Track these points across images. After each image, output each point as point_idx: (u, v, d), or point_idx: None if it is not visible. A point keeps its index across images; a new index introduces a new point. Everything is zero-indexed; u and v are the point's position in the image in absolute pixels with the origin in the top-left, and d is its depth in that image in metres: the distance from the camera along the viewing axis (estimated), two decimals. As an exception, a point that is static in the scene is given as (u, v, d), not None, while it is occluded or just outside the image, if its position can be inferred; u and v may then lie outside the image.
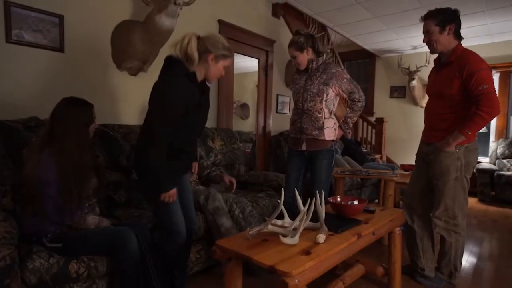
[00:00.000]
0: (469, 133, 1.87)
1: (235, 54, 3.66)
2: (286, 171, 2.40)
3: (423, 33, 2.01)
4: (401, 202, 3.66)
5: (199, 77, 1.64)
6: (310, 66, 2.21)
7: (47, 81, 2.20)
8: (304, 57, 2.18)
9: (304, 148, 2.24)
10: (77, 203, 1.50)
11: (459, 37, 1.97)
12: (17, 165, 1.70)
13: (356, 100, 2.22)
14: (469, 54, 1.90)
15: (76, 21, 2.31)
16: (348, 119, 2.30)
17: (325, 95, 2.16)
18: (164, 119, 1.52)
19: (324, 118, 2.19)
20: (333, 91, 2.19)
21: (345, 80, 2.18)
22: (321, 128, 2.18)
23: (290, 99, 4.48)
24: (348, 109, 2.31)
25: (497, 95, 1.85)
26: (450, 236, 2.02)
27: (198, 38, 1.59)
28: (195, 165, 2.09)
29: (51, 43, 2.18)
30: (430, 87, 2.13)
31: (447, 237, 2.02)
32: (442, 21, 1.91)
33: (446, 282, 2.09)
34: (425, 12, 2.01)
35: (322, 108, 2.18)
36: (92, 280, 1.50)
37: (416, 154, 2.23)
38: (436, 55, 2.09)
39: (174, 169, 1.66)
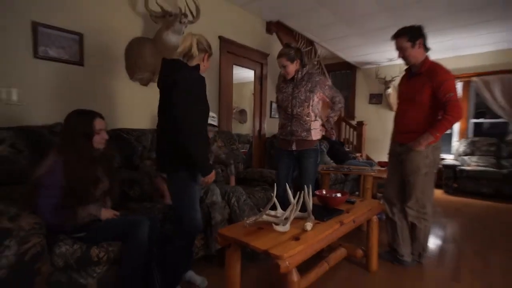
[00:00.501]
0: (438, 135, 1.90)
1: (234, 66, 3.68)
2: (277, 169, 2.39)
3: (397, 49, 2.01)
4: (378, 194, 3.70)
5: None
6: (296, 76, 2.23)
7: (69, 90, 2.19)
8: (293, 68, 2.19)
9: (294, 148, 2.25)
10: (79, 205, 1.44)
11: (426, 49, 2.00)
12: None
13: (337, 102, 2.26)
14: (437, 66, 1.94)
15: (94, 38, 2.31)
16: (330, 118, 2.32)
17: (311, 101, 2.19)
18: (197, 107, 1.56)
19: (311, 121, 2.22)
20: (317, 97, 2.22)
21: (327, 87, 2.22)
22: (309, 130, 2.21)
23: (281, 105, 4.50)
24: (329, 110, 2.34)
25: (460, 102, 1.89)
26: (420, 223, 2.05)
27: None
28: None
29: (72, 57, 2.18)
30: (403, 94, 2.14)
31: (417, 224, 2.06)
32: (413, 37, 1.93)
33: (416, 261, 2.12)
34: (394, 29, 2.01)
35: (309, 112, 2.20)
36: (111, 264, 1.50)
37: (388, 154, 2.23)
38: (406, 66, 2.11)
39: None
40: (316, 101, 2.23)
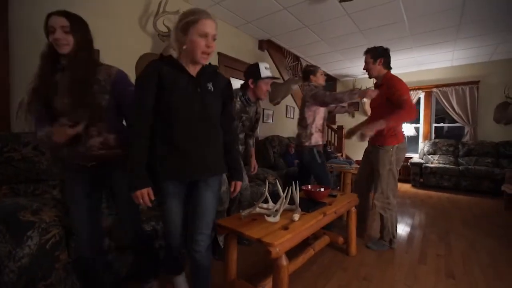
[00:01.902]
0: (390, 124, 1.89)
1: (231, 78, 3.65)
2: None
3: (364, 62, 2.12)
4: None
5: (184, 62, 1.14)
6: None
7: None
8: None
9: None
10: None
11: (388, 67, 2.06)
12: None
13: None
14: (394, 78, 2.02)
15: (109, 54, 2.27)
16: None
17: None
18: (135, 102, 1.10)
19: None
20: None
21: None
22: None
23: (273, 111, 4.49)
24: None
25: (413, 103, 1.92)
26: (386, 213, 2.09)
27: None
28: (253, 163, 1.54)
29: (89, 70, 2.14)
30: (372, 102, 2.23)
31: (383, 214, 2.09)
32: (375, 56, 2.03)
33: (388, 246, 2.13)
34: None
35: None
36: (120, 251, 1.48)
37: (364, 152, 2.31)
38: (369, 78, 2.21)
39: (163, 167, 1.10)
40: None
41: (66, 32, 1.11)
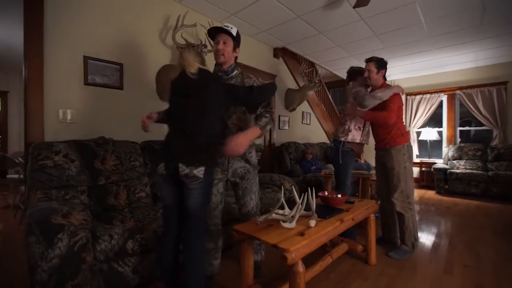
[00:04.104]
0: (368, 116, 2.07)
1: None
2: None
3: (366, 69, 2.17)
4: (375, 194, 3.58)
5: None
6: None
7: (111, 110, 2.28)
8: None
9: None
10: None
11: (384, 78, 2.19)
12: (91, 171, 1.77)
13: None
14: (387, 86, 2.12)
15: (132, 67, 2.40)
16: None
17: None
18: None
19: None
20: None
21: None
22: None
23: (289, 118, 4.49)
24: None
25: (394, 113, 2.00)
26: (407, 212, 2.03)
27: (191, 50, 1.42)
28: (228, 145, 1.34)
29: (114, 83, 2.28)
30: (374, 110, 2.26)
31: (404, 213, 2.03)
32: (379, 67, 2.13)
33: (410, 253, 2.04)
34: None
35: None
36: (143, 254, 1.53)
37: (375, 158, 2.29)
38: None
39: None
40: None
41: None
